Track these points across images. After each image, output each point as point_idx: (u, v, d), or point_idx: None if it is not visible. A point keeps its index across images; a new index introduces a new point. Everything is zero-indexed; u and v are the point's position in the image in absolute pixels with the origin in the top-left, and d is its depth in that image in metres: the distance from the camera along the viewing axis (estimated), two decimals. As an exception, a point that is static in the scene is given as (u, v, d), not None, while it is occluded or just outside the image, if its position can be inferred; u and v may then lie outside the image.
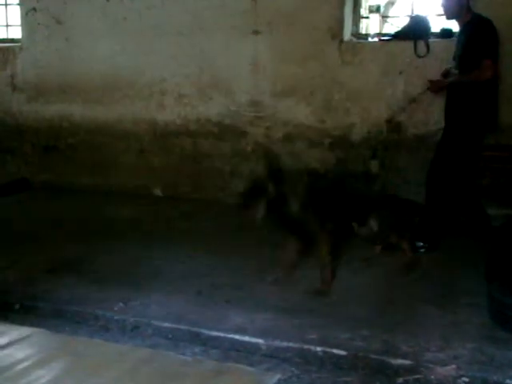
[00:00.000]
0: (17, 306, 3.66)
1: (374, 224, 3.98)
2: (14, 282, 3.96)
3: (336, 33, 5.48)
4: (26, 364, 2.85)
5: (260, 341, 3.16)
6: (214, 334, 3.25)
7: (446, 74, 4.74)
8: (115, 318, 3.46)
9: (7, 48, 6.80)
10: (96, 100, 6.43)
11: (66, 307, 3.59)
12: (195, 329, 3.30)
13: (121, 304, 3.60)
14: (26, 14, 6.57)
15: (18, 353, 2.98)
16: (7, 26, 7.00)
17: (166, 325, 3.36)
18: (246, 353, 3.14)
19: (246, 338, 3.19)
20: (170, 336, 3.31)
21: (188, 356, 3.10)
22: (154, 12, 6.02)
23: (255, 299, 3.68)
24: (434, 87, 4.72)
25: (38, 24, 6.52)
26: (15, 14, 6.79)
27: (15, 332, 3.23)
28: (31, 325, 3.38)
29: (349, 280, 3.98)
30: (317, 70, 5.57)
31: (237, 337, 3.21)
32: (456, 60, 4.52)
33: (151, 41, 6.05)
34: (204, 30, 5.83)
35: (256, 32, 5.69)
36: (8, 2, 6.91)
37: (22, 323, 3.39)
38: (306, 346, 3.11)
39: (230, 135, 5.96)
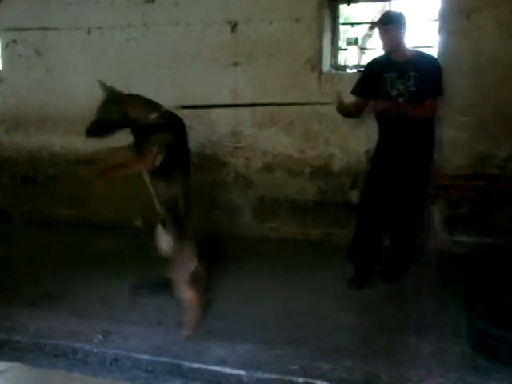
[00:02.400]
0: (-7, 340, 3.60)
1: None
2: (-10, 315, 3.89)
3: (315, 64, 5.55)
4: (2, 400, 2.79)
5: (242, 372, 3.14)
6: (195, 365, 3.23)
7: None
8: (94, 350, 3.43)
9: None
10: (76, 131, 6.39)
11: (44, 340, 3.54)
12: (176, 361, 3.27)
13: (100, 336, 3.56)
14: (7, 45, 6.58)
15: (-6, 388, 2.92)
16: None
17: (146, 357, 3.33)
18: (227, 385, 3.11)
19: (228, 370, 3.17)
20: (150, 368, 3.28)
21: (168, 389, 3.06)
22: (134, 44, 6.05)
23: (236, 330, 3.65)
24: (382, 107, 4.38)
25: (19, 55, 6.52)
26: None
27: (-9, 367, 3.18)
28: (7, 359, 3.32)
29: (328, 309, 3.97)
30: (296, 100, 5.62)
31: (218, 368, 3.19)
32: (405, 96, 4.33)
33: (132, 73, 6.06)
34: (184, 62, 5.87)
35: (236, 63, 5.74)
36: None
37: (-2, 357, 3.33)
38: (288, 377, 3.09)
39: (211, 165, 5.97)
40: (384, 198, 4.42)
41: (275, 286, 4.44)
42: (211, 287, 4.39)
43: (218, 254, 5.17)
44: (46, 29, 6.35)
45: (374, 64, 4.61)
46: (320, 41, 5.54)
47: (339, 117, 5.45)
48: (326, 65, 5.64)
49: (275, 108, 5.65)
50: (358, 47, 5.86)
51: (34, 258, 5.21)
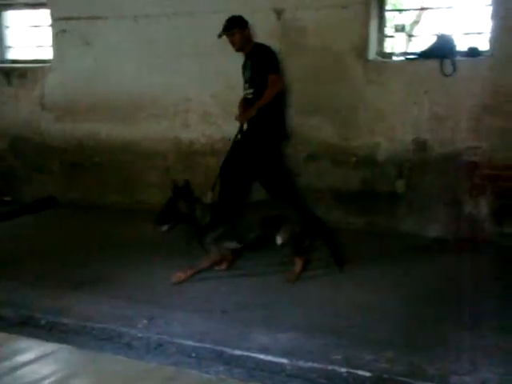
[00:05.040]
0: (42, 322, 3.69)
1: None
2: (39, 298, 3.99)
3: (361, 52, 5.49)
4: (50, 380, 2.85)
5: (284, 361, 3.14)
6: (238, 353, 3.23)
7: (244, 101, 5.32)
8: (139, 335, 3.47)
9: (37, 68, 6.93)
10: (122, 119, 6.51)
11: (91, 324, 3.61)
12: (219, 347, 3.29)
13: (145, 321, 3.61)
14: (56, 35, 6.70)
15: (43, 369, 2.99)
16: (38, 47, 7.14)
17: (190, 343, 3.35)
18: (269, 373, 3.12)
19: (270, 358, 3.17)
20: (194, 354, 3.30)
21: (211, 375, 3.08)
22: (180, 33, 6.09)
23: (279, 319, 3.66)
24: (244, 120, 5.21)
25: (68, 45, 6.64)
26: (47, 35, 6.91)
27: (40, 348, 3.25)
28: (56, 341, 3.39)
29: (370, 300, 3.95)
30: (342, 89, 5.57)
31: (261, 356, 3.19)
32: (248, 82, 5.27)
33: (177, 61, 6.12)
34: (228, 49, 5.85)
35: (281, 51, 5.71)
36: (40, 24, 7.05)
37: (47, 339, 3.41)
38: (330, 367, 3.07)
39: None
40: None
41: (318, 275, 4.43)
42: (255, 274, 4.43)
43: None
44: (94, 18, 6.44)
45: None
46: (366, 28, 5.48)
47: (386, 105, 5.43)
48: (372, 52, 5.57)
49: (320, 96, 5.63)
50: (405, 34, 5.75)
51: (81, 243, 5.33)
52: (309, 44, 5.64)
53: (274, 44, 5.70)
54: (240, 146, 5.28)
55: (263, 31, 5.73)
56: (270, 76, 5.14)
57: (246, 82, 5.34)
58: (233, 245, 4.45)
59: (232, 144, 5.32)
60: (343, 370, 3.04)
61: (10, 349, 3.21)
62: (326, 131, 5.70)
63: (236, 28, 5.24)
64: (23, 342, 3.32)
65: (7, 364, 2.96)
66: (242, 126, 5.26)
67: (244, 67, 5.39)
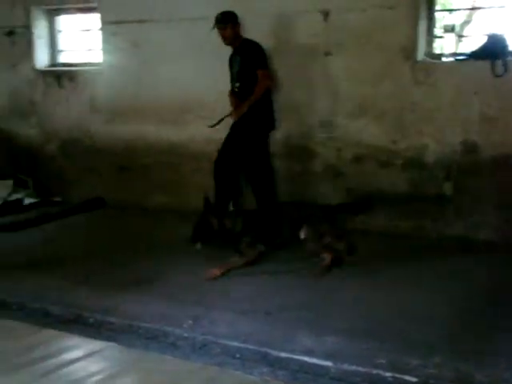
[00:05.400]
0: (91, 320, 3.76)
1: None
2: (87, 297, 4.07)
3: (409, 53, 5.41)
4: (98, 377, 2.91)
5: (328, 363, 3.13)
6: (282, 354, 3.24)
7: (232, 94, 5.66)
8: (184, 335, 3.51)
9: (87, 71, 7.07)
10: (170, 121, 6.58)
11: (137, 323, 3.66)
12: (263, 349, 3.29)
13: (190, 321, 3.64)
14: (106, 38, 6.83)
15: (91, 366, 3.05)
16: (89, 50, 7.29)
17: (234, 344, 3.37)
18: (313, 375, 3.11)
19: (315, 360, 3.16)
20: (238, 355, 3.31)
21: (255, 376, 3.09)
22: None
23: (322, 321, 3.64)
24: (237, 117, 5.49)
25: (117, 48, 6.76)
26: (97, 39, 7.05)
27: (89, 345, 3.32)
28: (104, 339, 3.46)
29: (414, 303, 3.89)
30: (389, 91, 5.51)
31: (305, 358, 3.18)
32: (235, 77, 5.58)
33: (224, 63, 6.14)
34: (277, 51, 5.88)
35: (327, 53, 5.70)
36: (90, 28, 7.21)
37: (95, 337, 3.48)
38: (375, 371, 3.04)
39: (300, 156, 5.96)
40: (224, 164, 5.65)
41: (363, 278, 4.39)
42: (295, 275, 4.42)
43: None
44: (142, 21, 6.53)
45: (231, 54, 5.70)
46: (415, 28, 5.40)
47: (434, 106, 5.35)
48: (421, 53, 5.49)
49: (367, 98, 5.58)
50: (455, 34, 5.65)
51: (128, 243, 5.41)
52: (355, 45, 5.59)
53: (320, 45, 5.70)
54: (232, 140, 5.61)
55: (309, 33, 5.73)
56: (260, 72, 5.43)
57: (233, 75, 5.64)
58: (263, 247, 4.63)
59: (224, 140, 5.66)
60: (388, 374, 3.01)
61: (59, 346, 3.29)
62: (373, 133, 5.64)
63: (230, 23, 5.51)
64: (72, 340, 3.41)
65: (56, 361, 3.04)
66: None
67: (232, 61, 5.67)
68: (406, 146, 5.53)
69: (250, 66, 5.47)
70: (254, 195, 5.68)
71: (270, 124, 5.70)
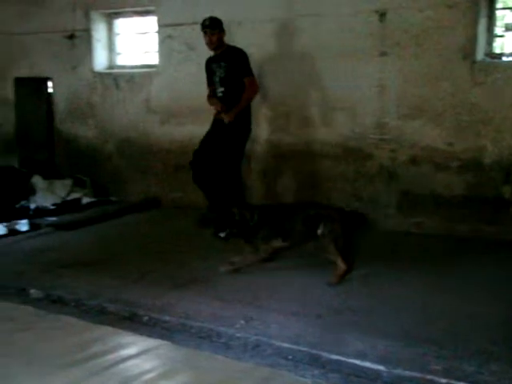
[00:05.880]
0: (145, 318, 3.83)
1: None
2: (142, 295, 4.14)
3: (468, 52, 5.30)
4: (151, 375, 2.96)
5: (381, 368, 3.09)
6: (335, 357, 3.22)
7: (214, 97, 5.86)
8: (237, 335, 3.52)
9: (144, 73, 7.19)
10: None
11: (191, 322, 3.70)
12: (315, 351, 3.28)
13: (242, 322, 3.66)
14: (162, 41, 6.94)
15: (145, 363, 3.10)
16: (145, 52, 7.42)
17: (286, 345, 3.37)
18: (366, 379, 3.08)
19: (367, 364, 3.13)
20: (290, 357, 3.31)
21: (308, 378, 3.08)
22: (282, 37, 6.13)
23: (374, 324, 3.61)
24: (232, 117, 5.65)
25: (173, 50, 6.86)
26: (153, 41, 7.17)
27: (143, 343, 3.37)
28: (158, 337, 3.51)
29: (470, 308, 3.81)
30: (446, 91, 5.41)
31: (357, 362, 3.15)
32: (219, 82, 5.78)
33: (275, 65, 6.16)
34: (330, 52, 5.85)
35: (383, 53, 5.63)
36: (147, 31, 7.33)
37: (149, 335, 3.53)
38: (429, 377, 2.99)
39: (354, 158, 5.92)
40: (201, 162, 5.88)
41: (416, 281, 4.33)
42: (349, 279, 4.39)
43: (358, 247, 5.14)
44: (197, 23, 6.58)
45: (208, 58, 5.95)
46: (474, 27, 5.28)
47: (493, 108, 5.23)
48: (480, 53, 5.37)
49: (423, 98, 5.50)
50: (516, 34, 5.50)
51: (182, 243, 5.48)
52: (412, 45, 5.51)
53: (375, 46, 5.64)
54: (217, 141, 5.80)
55: (364, 33, 5.67)
56: (247, 79, 5.69)
57: (218, 80, 5.81)
58: (279, 242, 4.54)
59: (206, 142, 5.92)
60: (443, 380, 2.95)
61: (114, 343, 3.35)
62: (429, 134, 5.55)
63: (217, 28, 5.75)
64: (126, 337, 3.47)
65: (111, 357, 3.10)
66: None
67: (212, 67, 5.87)
68: (463, 147, 5.42)
69: (236, 72, 5.70)
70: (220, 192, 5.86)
71: (250, 128, 5.93)
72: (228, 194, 5.78)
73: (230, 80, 5.73)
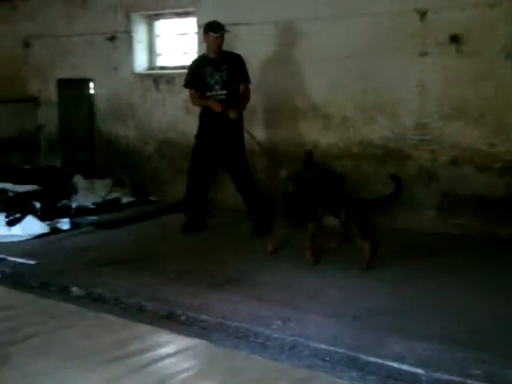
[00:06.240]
0: (183, 318, 3.86)
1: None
2: (180, 294, 4.18)
3: (510, 52, 5.20)
4: (188, 374, 2.98)
5: (420, 371, 3.06)
6: (372, 359, 3.20)
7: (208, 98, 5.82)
8: (274, 336, 3.53)
9: (183, 74, 7.20)
10: (261, 122, 6.64)
11: (228, 322, 3.72)
12: (353, 353, 3.26)
13: (279, 322, 3.66)
14: (202, 42, 6.95)
15: (183, 362, 3.13)
16: (185, 53, 7.46)
17: (323, 347, 3.36)
18: (404, 382, 3.06)
19: (405, 367, 3.10)
20: (327, 358, 3.30)
21: (345, 380, 3.07)
22: (322, 35, 6.11)
23: (412, 327, 3.57)
24: (237, 115, 5.76)
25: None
26: (192, 42, 7.21)
27: (181, 342, 3.40)
28: (195, 336, 3.54)
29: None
30: (488, 92, 5.32)
31: (395, 365, 3.13)
32: (220, 84, 5.79)
33: (318, 64, 6.14)
34: (371, 52, 5.81)
35: (424, 53, 5.56)
36: (186, 32, 7.39)
37: (186, 334, 3.56)
38: (469, 381, 2.95)
39: (394, 158, 5.86)
40: (209, 166, 5.92)
41: (457, 285, 4.27)
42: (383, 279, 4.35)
43: (398, 249, 5.09)
44: (236, 24, 6.61)
45: (197, 61, 6.04)
46: (517, 26, 5.18)
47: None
48: (523, 53, 5.26)
49: (465, 99, 5.41)
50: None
51: (219, 243, 5.52)
52: (452, 45, 5.43)
53: (416, 46, 5.58)
54: (221, 141, 5.85)
55: (405, 32, 5.61)
56: (246, 84, 5.87)
57: (217, 83, 5.81)
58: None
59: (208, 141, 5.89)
60: (483, 385, 2.91)
61: (152, 341, 3.40)
62: (470, 135, 5.46)
63: (224, 32, 5.81)
64: (164, 336, 3.51)
65: (149, 356, 3.14)
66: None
67: (208, 70, 5.83)
68: (505, 149, 5.32)
69: (236, 76, 5.81)
70: (243, 191, 5.99)
71: None
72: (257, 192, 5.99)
73: (231, 83, 5.80)
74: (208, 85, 5.83)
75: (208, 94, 5.83)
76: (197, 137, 6.01)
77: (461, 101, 5.46)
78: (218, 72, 5.82)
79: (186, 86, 6.03)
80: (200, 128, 6.00)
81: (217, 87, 5.82)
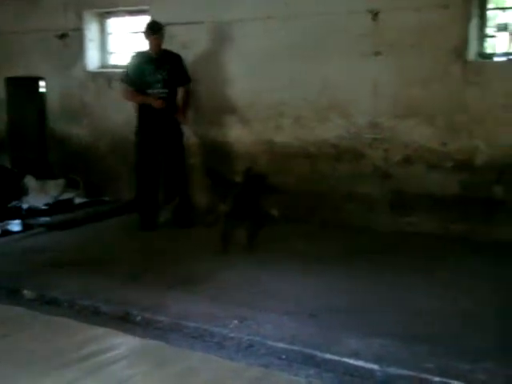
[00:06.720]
0: (138, 319, 3.81)
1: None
2: (136, 295, 4.13)
3: (460, 52, 5.31)
4: (145, 375, 2.96)
5: (375, 366, 3.10)
6: (329, 357, 3.22)
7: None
8: (230, 335, 3.52)
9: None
10: (216, 122, 6.62)
11: (184, 322, 3.69)
12: (309, 351, 3.28)
13: (236, 322, 3.65)
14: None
15: (139, 364, 3.11)
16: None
17: (280, 345, 3.36)
18: (360, 378, 3.08)
19: (361, 363, 3.13)
20: (284, 356, 3.31)
21: (301, 378, 3.08)
22: (274, 36, 6.13)
23: (370, 323, 3.61)
24: (186, 120, 6.18)
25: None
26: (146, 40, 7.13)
27: (137, 343, 3.38)
28: (151, 337, 3.51)
29: (466, 308, 3.83)
30: (439, 91, 5.42)
31: (351, 361, 3.16)
32: (161, 82, 5.93)
33: (272, 64, 6.16)
34: (325, 52, 5.85)
35: (377, 53, 5.64)
36: (139, 30, 7.30)
37: (143, 335, 3.53)
38: (423, 375, 3.00)
39: (348, 157, 5.92)
40: (155, 162, 6.02)
41: (411, 281, 4.34)
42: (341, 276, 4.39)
43: (352, 247, 5.16)
44: (190, 23, 6.59)
45: (137, 59, 6.07)
46: (466, 27, 5.29)
47: (485, 107, 5.24)
48: (472, 53, 5.38)
49: (417, 98, 5.51)
50: (508, 33, 5.52)
51: (175, 243, 5.48)
52: (405, 45, 5.52)
53: (369, 46, 5.65)
54: (161, 137, 6.00)
55: (357, 32, 5.68)
56: (188, 85, 6.19)
57: (158, 82, 5.94)
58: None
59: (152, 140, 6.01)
60: (437, 379, 2.96)
61: (108, 343, 3.36)
62: (422, 134, 5.56)
63: (163, 31, 5.98)
64: (120, 338, 3.47)
65: (104, 358, 3.11)
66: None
67: (151, 68, 5.94)
68: (456, 148, 5.44)
69: (177, 75, 6.02)
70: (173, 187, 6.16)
71: None
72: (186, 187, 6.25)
73: (171, 83, 5.98)
74: (149, 83, 5.94)
75: (149, 91, 5.94)
76: (137, 134, 6.11)
77: (413, 100, 5.55)
78: (159, 71, 5.95)
79: (124, 81, 6.13)
80: (140, 125, 6.09)
81: (158, 86, 5.94)
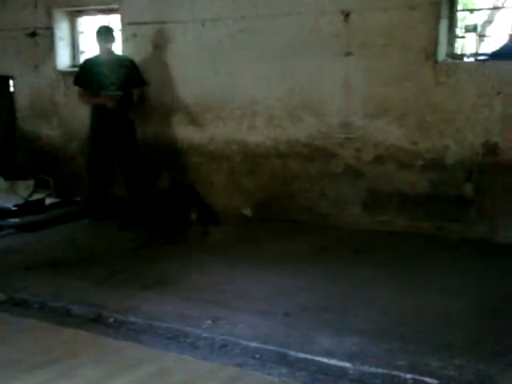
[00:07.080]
0: (111, 320, 3.78)
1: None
2: (108, 297, 4.10)
3: (430, 53, 5.37)
4: (117, 377, 2.94)
5: (347, 365, 3.12)
6: (302, 356, 3.23)
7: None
8: (204, 335, 3.51)
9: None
10: (190, 121, 6.60)
11: (157, 323, 3.68)
12: (282, 350, 3.29)
13: (209, 322, 3.65)
14: (126, 39, 6.86)
15: (111, 366, 3.08)
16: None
17: (254, 345, 3.37)
18: (333, 376, 3.10)
19: (334, 362, 3.15)
20: (257, 356, 3.31)
21: (275, 377, 3.09)
22: (247, 35, 6.13)
23: (343, 322, 3.63)
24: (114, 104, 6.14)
25: (137, 49, 6.78)
26: (117, 40, 7.08)
27: (109, 345, 3.35)
28: (124, 338, 3.48)
29: (436, 305, 3.87)
30: (410, 91, 5.48)
31: (324, 360, 3.18)
32: (116, 85, 6.16)
33: (244, 64, 6.16)
34: (296, 52, 5.87)
35: (348, 53, 5.68)
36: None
37: (115, 337, 3.50)
38: (395, 373, 3.03)
39: (320, 157, 5.95)
40: (106, 155, 6.27)
41: (383, 280, 4.37)
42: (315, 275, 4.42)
43: (324, 246, 5.18)
44: (162, 22, 6.56)
45: (90, 62, 6.32)
46: (436, 28, 5.35)
47: (455, 107, 5.31)
48: (442, 53, 5.44)
49: (387, 98, 5.55)
50: (476, 34, 5.60)
51: (147, 244, 5.44)
52: (376, 45, 5.56)
53: (340, 46, 5.68)
54: (114, 137, 6.23)
55: (330, 32, 5.70)
56: (142, 88, 6.44)
57: (113, 84, 6.17)
58: None
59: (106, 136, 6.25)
60: (409, 376, 3.00)
61: (79, 345, 3.32)
62: (393, 134, 5.61)
63: (112, 35, 6.31)
64: (92, 339, 3.44)
65: (75, 360, 3.07)
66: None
67: (105, 70, 6.16)
68: (426, 147, 5.50)
69: (133, 79, 6.31)
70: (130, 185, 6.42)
71: None
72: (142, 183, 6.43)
73: (126, 85, 6.23)
74: (103, 85, 6.16)
75: (103, 93, 6.16)
76: (90, 129, 6.34)
77: (384, 100, 5.60)
78: (113, 73, 6.19)
79: (76, 83, 6.35)
80: (93, 125, 6.30)
81: (112, 88, 6.18)
